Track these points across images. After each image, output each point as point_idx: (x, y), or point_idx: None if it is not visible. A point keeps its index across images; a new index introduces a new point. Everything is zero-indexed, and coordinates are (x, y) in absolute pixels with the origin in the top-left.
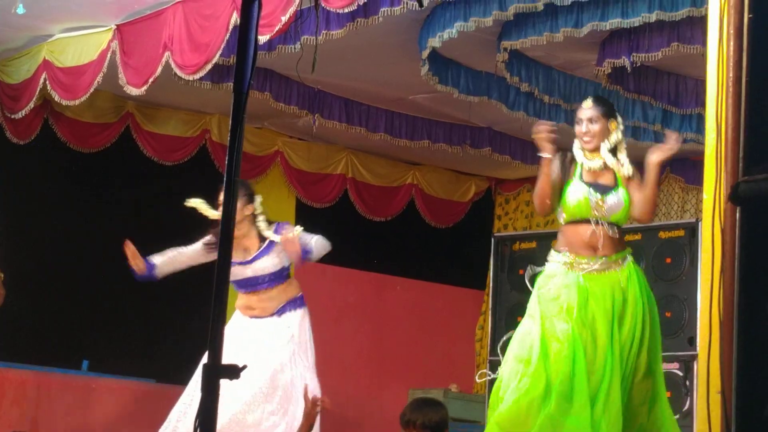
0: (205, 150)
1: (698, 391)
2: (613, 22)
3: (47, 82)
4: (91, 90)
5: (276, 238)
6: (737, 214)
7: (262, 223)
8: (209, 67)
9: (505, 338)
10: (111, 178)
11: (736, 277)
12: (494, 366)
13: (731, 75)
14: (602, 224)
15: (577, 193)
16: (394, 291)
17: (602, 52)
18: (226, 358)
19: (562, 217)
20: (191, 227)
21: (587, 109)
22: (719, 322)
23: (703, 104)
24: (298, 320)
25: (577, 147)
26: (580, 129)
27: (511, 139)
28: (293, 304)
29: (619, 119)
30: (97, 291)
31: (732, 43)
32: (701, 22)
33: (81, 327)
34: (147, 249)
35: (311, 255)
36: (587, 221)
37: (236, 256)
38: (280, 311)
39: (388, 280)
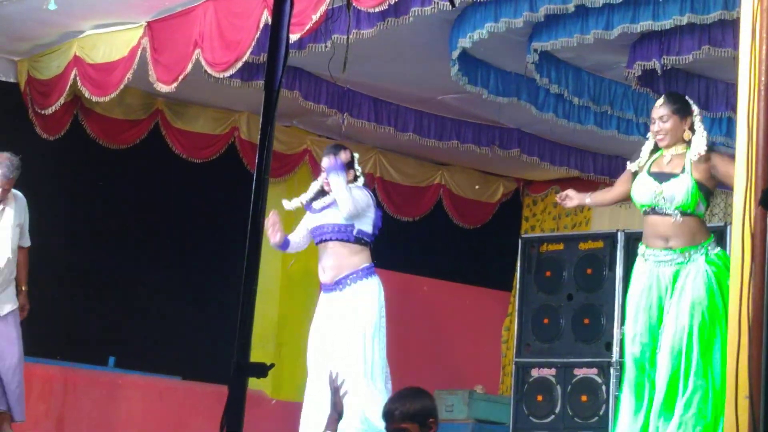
0: (233, 147)
1: (726, 396)
2: (644, 25)
3: (77, 79)
4: (122, 86)
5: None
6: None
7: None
8: (239, 64)
9: None
10: (140, 175)
11: (765, 281)
12: (519, 367)
13: (763, 79)
14: (666, 213)
15: (638, 185)
16: (421, 291)
17: (633, 55)
18: None
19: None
20: (219, 224)
21: (659, 107)
22: (748, 326)
23: (733, 108)
24: None
25: (649, 141)
26: (653, 128)
27: (540, 141)
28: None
29: (695, 111)
30: (124, 287)
31: (765, 47)
32: (733, 24)
33: (108, 323)
34: (175, 245)
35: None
36: (653, 211)
37: None
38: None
39: (415, 280)
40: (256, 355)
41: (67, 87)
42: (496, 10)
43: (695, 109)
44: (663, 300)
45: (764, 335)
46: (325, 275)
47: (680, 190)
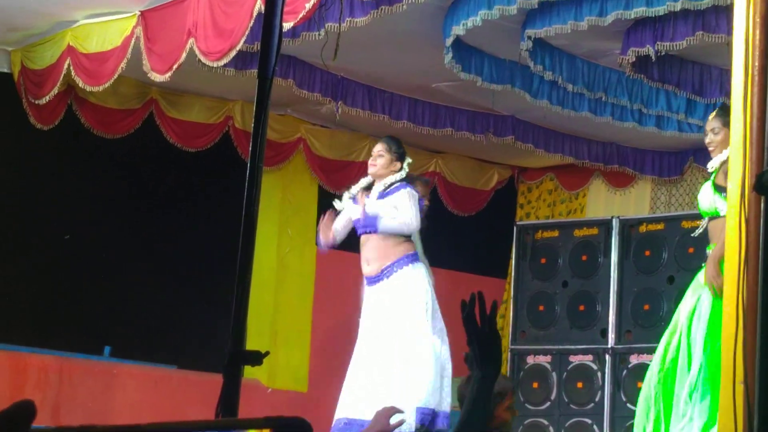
0: (228, 136)
1: (722, 381)
2: (638, 11)
3: (71, 68)
4: (115, 76)
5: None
6: (762, 204)
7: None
8: (233, 53)
9: None
10: (134, 164)
11: (760, 267)
12: (514, 354)
13: (757, 64)
14: (708, 221)
15: (700, 196)
16: None
17: (626, 41)
18: None
19: None
20: (214, 213)
21: (711, 120)
22: (743, 312)
23: (727, 93)
24: None
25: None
26: (705, 139)
27: (535, 128)
28: None
29: None
30: (119, 277)
31: (758, 32)
32: (727, 10)
33: (103, 313)
34: (170, 234)
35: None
36: (717, 217)
37: None
38: None
39: None
40: (251, 344)
41: (61, 77)
42: None
43: None
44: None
45: (759, 320)
46: (370, 267)
47: (701, 197)
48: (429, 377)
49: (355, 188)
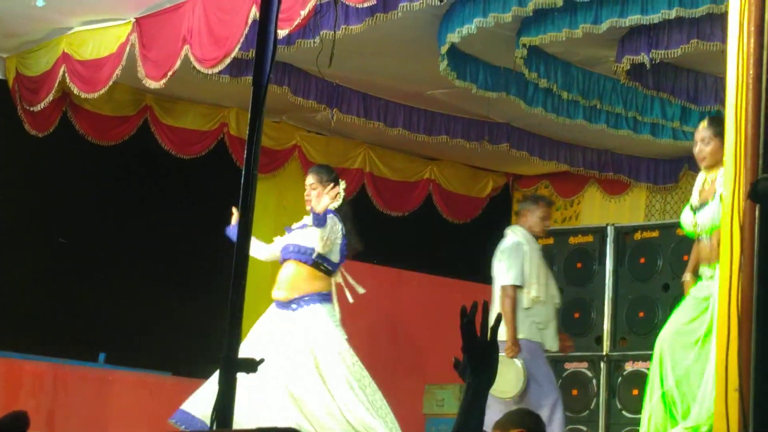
0: (222, 144)
1: (716, 388)
2: (633, 19)
3: (66, 75)
4: (110, 83)
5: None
6: (756, 212)
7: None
8: (228, 60)
9: None
10: (129, 171)
11: (754, 274)
12: None
13: (751, 72)
14: (704, 239)
15: (683, 218)
16: (411, 286)
17: (621, 49)
18: None
19: None
20: (209, 220)
21: (701, 130)
22: (737, 319)
23: (722, 101)
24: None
25: (699, 177)
26: (695, 149)
27: (530, 135)
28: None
29: None
30: (114, 283)
31: (752, 41)
32: (721, 18)
33: (98, 319)
34: (164, 241)
35: None
36: (698, 240)
37: None
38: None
39: (405, 276)
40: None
41: (56, 83)
42: (484, 5)
43: None
44: None
45: (753, 327)
46: (279, 292)
47: (710, 214)
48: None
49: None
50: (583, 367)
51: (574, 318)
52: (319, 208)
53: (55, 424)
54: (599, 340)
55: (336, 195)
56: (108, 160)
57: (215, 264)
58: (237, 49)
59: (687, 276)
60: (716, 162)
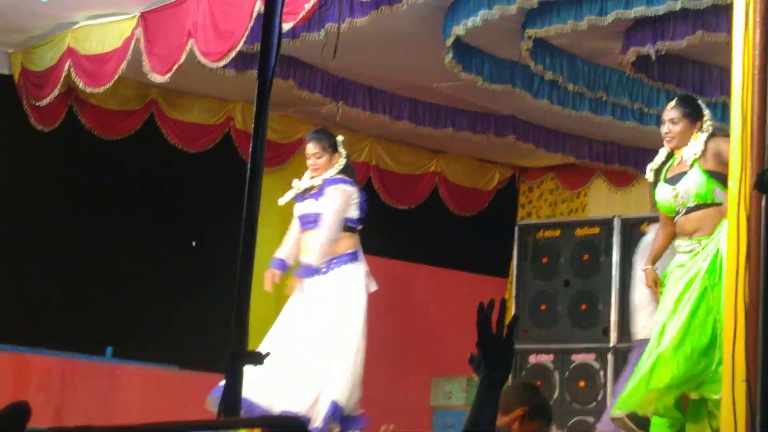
0: (228, 137)
1: (723, 379)
2: (638, 10)
3: (72, 70)
4: (116, 77)
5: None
6: (763, 202)
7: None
8: (233, 54)
9: None
10: (135, 166)
11: (761, 265)
12: (517, 354)
13: (757, 63)
14: (686, 211)
15: (658, 193)
16: (418, 279)
17: (627, 40)
18: None
19: None
20: (215, 214)
21: (670, 110)
22: (744, 309)
23: (728, 93)
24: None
25: (663, 148)
26: (662, 129)
27: (535, 127)
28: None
29: (707, 116)
30: (121, 277)
31: (758, 32)
32: (727, 9)
33: (105, 313)
34: (171, 235)
35: None
36: (678, 214)
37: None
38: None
39: (412, 268)
40: (253, 344)
41: (62, 78)
42: None
43: (707, 113)
44: None
45: (761, 317)
46: (308, 259)
47: (691, 183)
48: (352, 374)
49: (298, 186)
50: (590, 358)
51: (581, 310)
52: (330, 179)
53: (63, 419)
54: (606, 332)
55: (341, 162)
56: (114, 154)
57: (223, 258)
58: (242, 43)
59: (649, 265)
60: (684, 142)
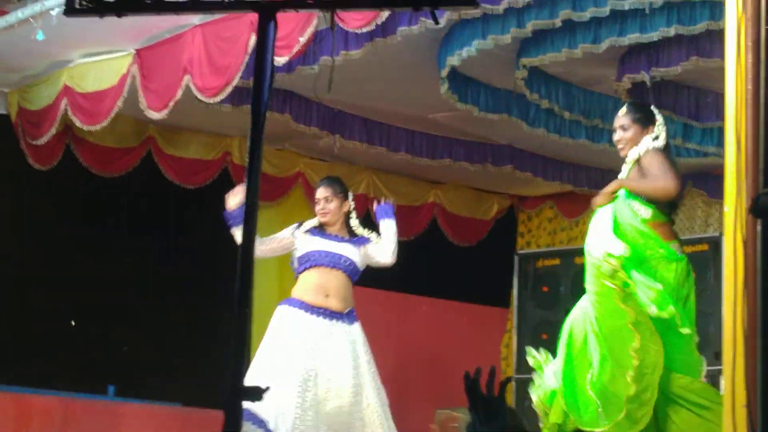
0: (226, 173)
1: (724, 405)
2: (632, 37)
3: (68, 108)
4: (112, 115)
5: (366, 233)
6: (758, 227)
7: (354, 220)
8: (229, 89)
9: None
10: (134, 203)
11: (758, 289)
12: (519, 384)
13: (750, 87)
14: None
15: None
16: (419, 310)
17: (621, 67)
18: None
19: None
20: (214, 249)
21: (620, 116)
22: (743, 335)
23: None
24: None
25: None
26: (614, 136)
27: (532, 156)
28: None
29: (659, 121)
30: (121, 315)
31: (750, 56)
32: (720, 35)
33: (106, 352)
34: (171, 271)
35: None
36: None
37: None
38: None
39: (412, 300)
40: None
41: (58, 117)
42: (483, 27)
43: (659, 119)
44: None
45: (759, 342)
46: (333, 302)
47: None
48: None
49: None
50: None
51: None
52: (352, 228)
53: None
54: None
55: (353, 210)
56: (112, 192)
57: (221, 293)
58: (238, 78)
59: None
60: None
